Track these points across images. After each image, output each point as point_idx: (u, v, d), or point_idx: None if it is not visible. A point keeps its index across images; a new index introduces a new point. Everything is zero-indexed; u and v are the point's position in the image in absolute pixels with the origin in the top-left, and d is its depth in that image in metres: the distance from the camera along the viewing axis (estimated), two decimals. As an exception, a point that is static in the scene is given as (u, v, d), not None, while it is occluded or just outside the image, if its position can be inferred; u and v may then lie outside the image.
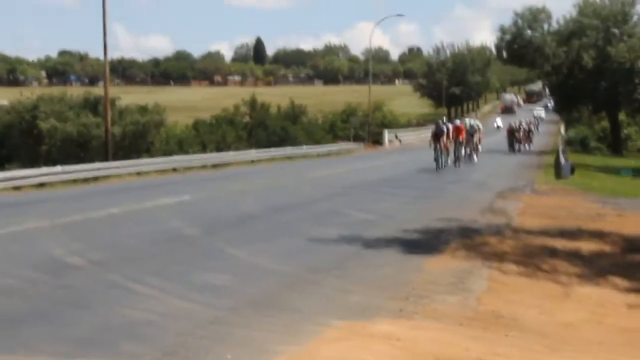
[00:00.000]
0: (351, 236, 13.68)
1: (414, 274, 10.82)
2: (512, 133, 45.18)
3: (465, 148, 34.97)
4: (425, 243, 13.57)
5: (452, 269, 11.35)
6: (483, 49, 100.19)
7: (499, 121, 45.50)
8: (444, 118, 36.38)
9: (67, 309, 8.50)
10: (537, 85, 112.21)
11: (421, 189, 23.76)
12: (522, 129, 47.51)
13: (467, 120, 40.72)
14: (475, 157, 36.29)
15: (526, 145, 47.74)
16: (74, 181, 28.40)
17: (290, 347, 7.01)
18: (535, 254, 12.97)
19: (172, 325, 7.79)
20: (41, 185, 25.98)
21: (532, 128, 52.64)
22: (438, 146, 29.83)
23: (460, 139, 33.39)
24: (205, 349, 6.97)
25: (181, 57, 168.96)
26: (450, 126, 32.61)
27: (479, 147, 37.88)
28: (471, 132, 35.82)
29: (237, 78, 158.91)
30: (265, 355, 6.73)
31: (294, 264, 11.41)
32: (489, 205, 19.33)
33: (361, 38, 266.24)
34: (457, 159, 32.51)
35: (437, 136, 29.98)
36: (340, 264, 11.50)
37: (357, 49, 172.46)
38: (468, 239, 14.19)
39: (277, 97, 67.12)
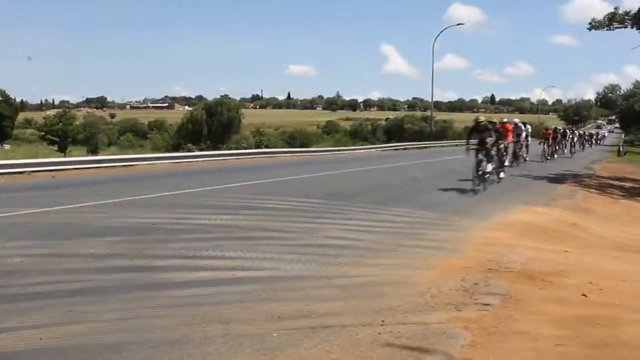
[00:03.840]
0: (526, 175, 16.45)
1: (552, 191, 13.12)
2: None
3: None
4: (558, 179, 15.74)
5: (568, 190, 13.44)
6: None
7: None
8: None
9: (405, 196, 10.80)
10: None
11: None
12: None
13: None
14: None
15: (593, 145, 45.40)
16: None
17: (501, 214, 9.01)
18: (604, 186, 15.12)
19: (456, 202, 10.13)
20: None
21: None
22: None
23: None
24: (470, 211, 8.98)
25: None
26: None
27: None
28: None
29: None
30: (490, 217, 8.65)
31: (504, 184, 13.54)
32: (586, 165, 22.19)
33: None
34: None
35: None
36: (519, 186, 13.81)
37: None
38: (576, 178, 16.26)
39: None
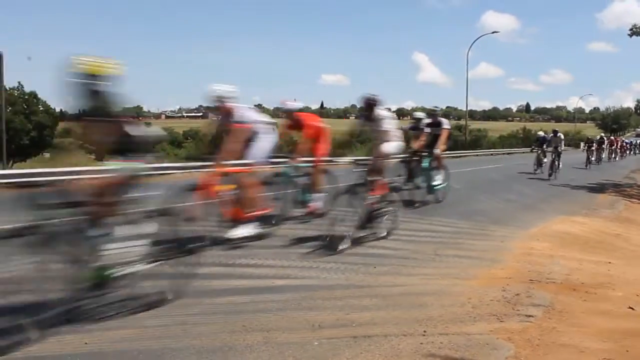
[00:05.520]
0: (564, 184, 16.02)
1: (592, 200, 12.85)
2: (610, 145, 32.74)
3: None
4: (597, 189, 15.49)
5: (609, 199, 13.17)
6: None
7: None
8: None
9: (441, 206, 10.19)
10: None
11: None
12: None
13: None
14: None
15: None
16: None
17: (540, 223, 8.88)
18: (647, 195, 14.65)
19: (494, 211, 10.09)
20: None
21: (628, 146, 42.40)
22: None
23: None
24: (508, 221, 9.04)
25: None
26: None
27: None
28: None
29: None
30: (529, 226, 8.52)
31: (542, 193, 13.48)
32: (626, 174, 21.46)
33: None
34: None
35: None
36: (560, 195, 13.55)
37: None
38: (616, 187, 16.05)
39: None
